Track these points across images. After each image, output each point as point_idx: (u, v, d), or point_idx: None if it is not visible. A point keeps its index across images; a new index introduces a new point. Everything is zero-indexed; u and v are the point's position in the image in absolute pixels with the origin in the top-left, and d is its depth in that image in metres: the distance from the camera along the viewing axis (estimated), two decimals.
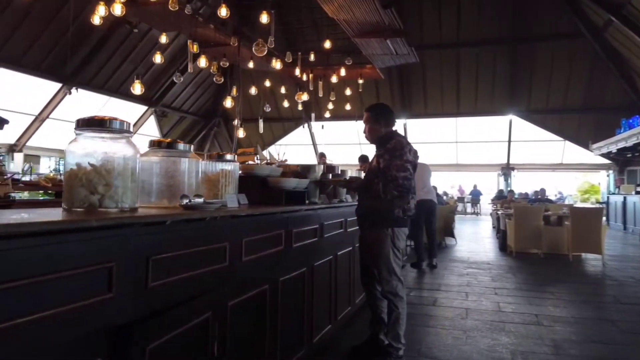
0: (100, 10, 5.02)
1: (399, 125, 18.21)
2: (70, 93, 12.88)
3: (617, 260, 8.49)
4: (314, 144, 19.92)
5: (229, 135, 19.98)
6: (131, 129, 1.82)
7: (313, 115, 12.38)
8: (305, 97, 9.27)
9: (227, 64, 7.28)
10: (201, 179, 2.46)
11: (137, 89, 6.96)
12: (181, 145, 2.16)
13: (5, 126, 10.96)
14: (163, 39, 7.00)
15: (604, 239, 8.20)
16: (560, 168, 19.79)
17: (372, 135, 3.48)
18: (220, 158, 2.46)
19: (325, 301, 3.51)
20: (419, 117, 18.20)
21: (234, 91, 7.52)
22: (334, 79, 8.83)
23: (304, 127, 17.06)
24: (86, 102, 13.70)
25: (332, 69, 8.61)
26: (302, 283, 3.03)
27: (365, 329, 3.61)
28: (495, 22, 15.10)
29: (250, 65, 7.32)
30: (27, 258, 1.11)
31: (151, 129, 17.27)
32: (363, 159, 8.02)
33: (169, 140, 2.16)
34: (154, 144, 2.13)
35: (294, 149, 19.31)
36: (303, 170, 3.34)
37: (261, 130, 9.87)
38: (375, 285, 3.38)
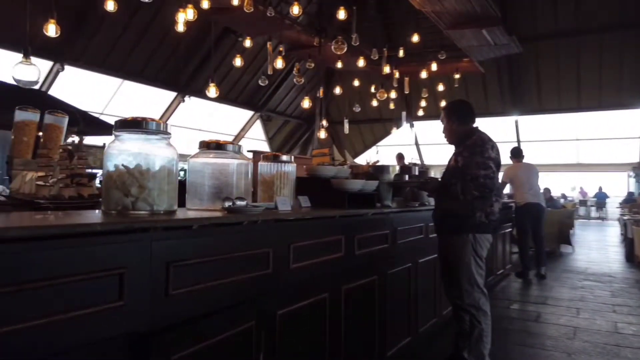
0: (180, 17, 5.27)
1: (509, 123, 17.02)
2: (184, 101, 13.84)
3: None
4: (417, 144, 19.36)
5: (332, 138, 20.15)
6: (169, 130, 1.79)
7: (404, 114, 11.92)
8: (392, 95, 8.96)
9: (313, 65, 7.26)
10: (258, 181, 2.39)
11: (212, 92, 7.22)
12: (230, 146, 2.10)
13: None
14: (247, 43, 7.17)
15: None
16: None
17: (447, 134, 3.19)
18: (275, 159, 2.36)
19: (402, 312, 3.26)
20: (532, 113, 16.83)
21: (321, 92, 7.48)
22: (423, 75, 8.37)
23: (397, 127, 16.49)
24: (198, 109, 14.62)
25: (425, 64, 8.14)
26: (372, 291, 2.83)
27: (452, 344, 3.30)
28: (620, 4, 13.42)
29: (339, 65, 7.21)
30: (14, 263, 1.08)
31: (258, 133, 17.98)
32: None
33: (219, 141, 2.10)
34: (204, 145, 2.09)
35: (396, 150, 18.89)
36: (375, 171, 3.14)
37: (346, 131, 9.68)
38: (457, 296, 3.07)
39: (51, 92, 11.23)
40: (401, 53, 7.40)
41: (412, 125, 17.87)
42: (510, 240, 6.92)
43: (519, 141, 17.38)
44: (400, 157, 8.95)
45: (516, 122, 17.00)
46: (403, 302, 3.27)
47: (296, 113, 18.88)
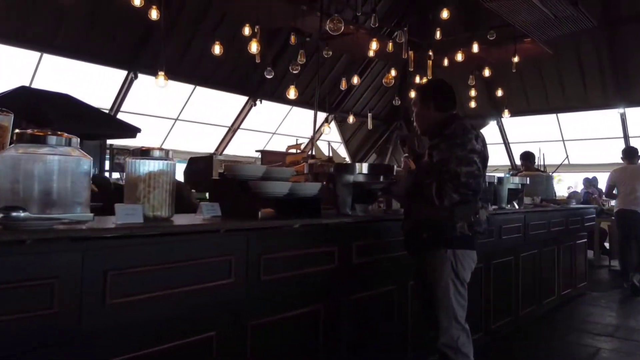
0: None
1: (613, 116, 14.76)
2: (255, 105, 13.77)
3: None
4: (506, 143, 17.58)
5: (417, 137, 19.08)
6: None
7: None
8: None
9: (330, 52, 6.46)
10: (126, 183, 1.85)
11: (292, 94, 6.66)
12: (53, 139, 1.58)
13: (207, 136, 12.16)
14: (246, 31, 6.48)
15: None
16: None
17: (420, 121, 2.42)
18: (144, 154, 1.80)
19: (374, 346, 2.53)
20: None
21: (345, 83, 6.67)
22: (459, 57, 7.05)
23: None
24: (270, 112, 14.50)
25: (466, 46, 6.81)
26: (313, 326, 2.16)
27: None
28: None
29: (371, 53, 6.39)
30: None
31: (334, 135, 17.51)
32: (525, 156, 6.34)
33: (36, 131, 1.59)
34: (18, 137, 1.59)
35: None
36: (336, 171, 2.45)
37: (370, 127, 8.74)
38: (433, 333, 2.28)
39: (127, 99, 11.72)
40: (438, 35, 6.35)
41: None
42: (587, 253, 5.69)
43: (626, 137, 15.03)
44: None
45: (622, 115, 14.66)
46: (379, 334, 2.54)
47: (373, 113, 18.10)
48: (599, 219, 7.82)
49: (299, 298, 2.09)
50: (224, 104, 13.80)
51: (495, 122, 16.99)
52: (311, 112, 16.04)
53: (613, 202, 6.61)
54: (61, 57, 9.96)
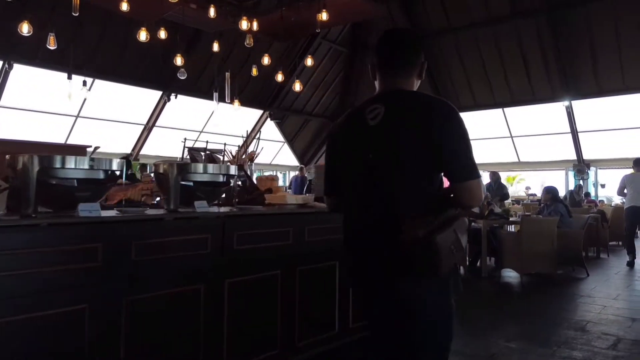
0: None
1: (560, 110, 13.07)
2: (169, 100, 12.33)
3: None
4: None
5: None
6: None
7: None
8: None
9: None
10: None
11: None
12: None
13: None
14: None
15: None
16: None
17: None
18: None
19: None
20: (588, 96, 12.89)
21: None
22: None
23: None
24: (191, 107, 13.07)
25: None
26: None
27: None
28: None
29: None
30: None
31: (273, 134, 15.99)
32: None
33: None
34: None
35: None
36: None
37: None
38: None
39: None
40: None
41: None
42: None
43: (574, 132, 13.42)
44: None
45: (568, 108, 13.04)
46: None
47: (317, 111, 16.61)
48: (493, 221, 6.50)
49: None
50: (135, 99, 12.36)
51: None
52: (243, 108, 14.50)
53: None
54: None
